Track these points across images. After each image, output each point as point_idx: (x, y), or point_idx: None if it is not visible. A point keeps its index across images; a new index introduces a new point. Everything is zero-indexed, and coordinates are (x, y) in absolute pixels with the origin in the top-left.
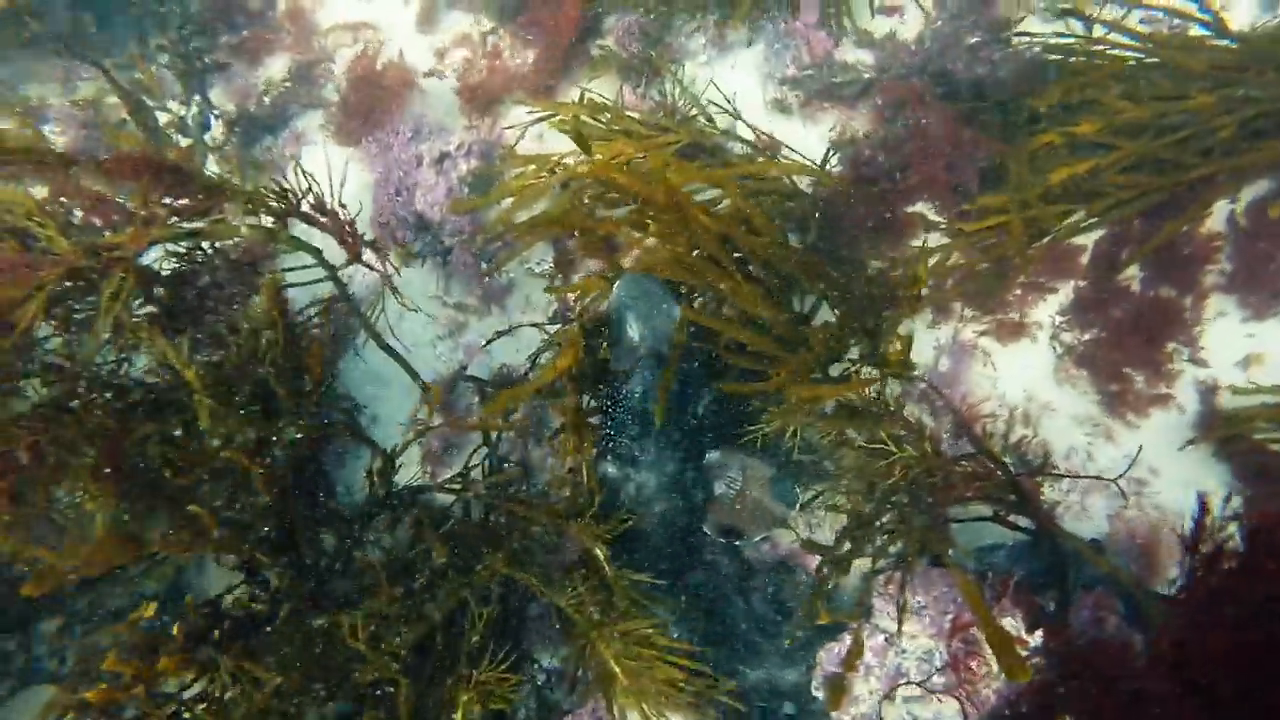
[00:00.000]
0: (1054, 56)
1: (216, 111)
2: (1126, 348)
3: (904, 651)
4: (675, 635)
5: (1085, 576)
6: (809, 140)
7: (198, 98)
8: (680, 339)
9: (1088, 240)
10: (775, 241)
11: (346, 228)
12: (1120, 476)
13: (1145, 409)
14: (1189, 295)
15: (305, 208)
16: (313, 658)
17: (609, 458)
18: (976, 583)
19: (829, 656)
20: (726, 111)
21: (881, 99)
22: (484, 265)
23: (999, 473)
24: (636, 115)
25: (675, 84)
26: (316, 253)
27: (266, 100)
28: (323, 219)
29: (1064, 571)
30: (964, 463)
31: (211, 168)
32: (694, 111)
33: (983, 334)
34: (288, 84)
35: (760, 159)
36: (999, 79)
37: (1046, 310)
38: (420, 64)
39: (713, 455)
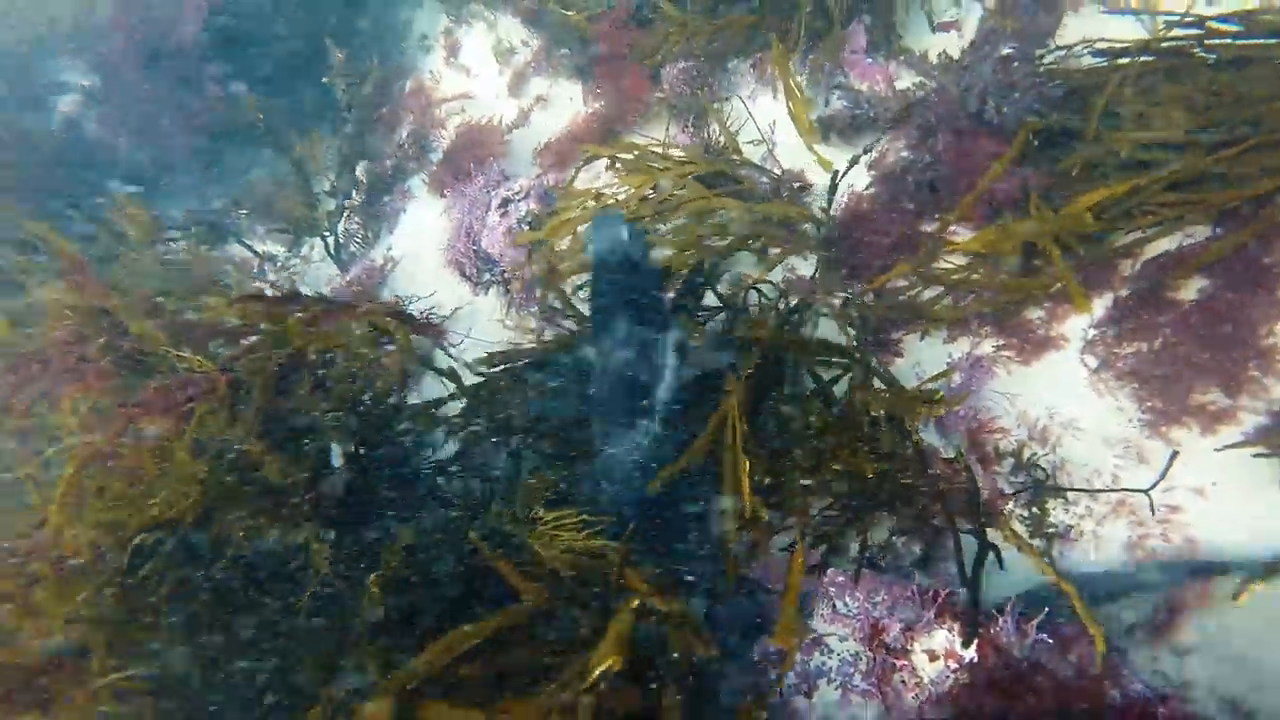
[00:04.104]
0: (1096, 63)
1: (358, 181)
2: (1182, 360)
3: (830, 651)
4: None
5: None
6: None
7: (350, 172)
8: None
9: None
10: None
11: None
12: (1151, 487)
13: (1210, 426)
14: (1266, 305)
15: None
16: None
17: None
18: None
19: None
20: (764, 141)
21: (917, 124)
22: (537, 291)
23: (966, 479)
24: (676, 150)
25: (716, 121)
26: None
27: (390, 165)
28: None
29: (975, 581)
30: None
31: (340, 225)
32: (727, 145)
33: (1002, 349)
34: (406, 149)
35: (781, 189)
36: (1030, 102)
37: (1076, 325)
38: (508, 121)
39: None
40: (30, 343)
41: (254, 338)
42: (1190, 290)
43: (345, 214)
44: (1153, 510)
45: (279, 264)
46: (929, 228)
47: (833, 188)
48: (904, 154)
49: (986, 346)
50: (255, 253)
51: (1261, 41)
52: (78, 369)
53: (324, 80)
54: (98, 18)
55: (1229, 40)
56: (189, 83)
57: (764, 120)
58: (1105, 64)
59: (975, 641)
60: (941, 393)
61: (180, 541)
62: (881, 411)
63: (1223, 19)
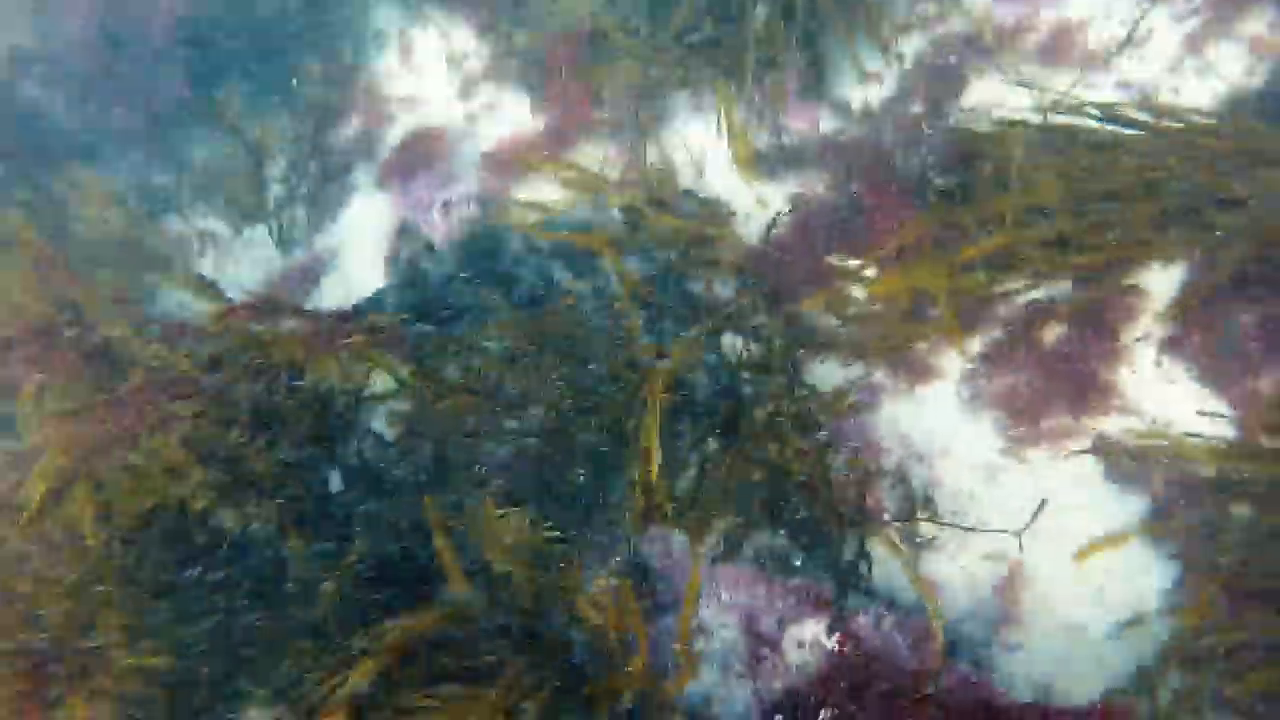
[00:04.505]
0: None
1: (309, 172)
2: (1039, 393)
3: (715, 638)
4: None
5: None
6: (774, 200)
7: (304, 163)
8: None
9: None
10: None
11: None
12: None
13: (1057, 443)
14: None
15: None
16: None
17: None
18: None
19: None
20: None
21: (833, 168)
22: None
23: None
24: (614, 169)
25: (653, 145)
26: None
27: (338, 158)
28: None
29: (847, 581)
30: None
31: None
32: (663, 169)
33: (891, 376)
34: (355, 144)
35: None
36: (935, 159)
37: (957, 359)
38: (455, 125)
39: None
40: None
41: (231, 339)
42: (1051, 335)
43: (293, 202)
44: (1020, 549)
45: (220, 245)
46: (840, 263)
47: (771, 225)
48: (822, 193)
49: (878, 373)
50: (197, 231)
51: (1125, 131)
52: (44, 359)
53: (292, 82)
54: None
55: (1099, 124)
56: (151, 71)
57: (695, 147)
58: (1002, 130)
59: (837, 634)
60: (850, 396)
61: (172, 533)
62: (793, 412)
63: (1095, 106)
